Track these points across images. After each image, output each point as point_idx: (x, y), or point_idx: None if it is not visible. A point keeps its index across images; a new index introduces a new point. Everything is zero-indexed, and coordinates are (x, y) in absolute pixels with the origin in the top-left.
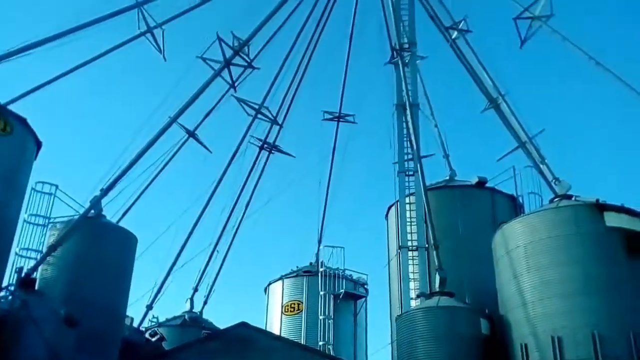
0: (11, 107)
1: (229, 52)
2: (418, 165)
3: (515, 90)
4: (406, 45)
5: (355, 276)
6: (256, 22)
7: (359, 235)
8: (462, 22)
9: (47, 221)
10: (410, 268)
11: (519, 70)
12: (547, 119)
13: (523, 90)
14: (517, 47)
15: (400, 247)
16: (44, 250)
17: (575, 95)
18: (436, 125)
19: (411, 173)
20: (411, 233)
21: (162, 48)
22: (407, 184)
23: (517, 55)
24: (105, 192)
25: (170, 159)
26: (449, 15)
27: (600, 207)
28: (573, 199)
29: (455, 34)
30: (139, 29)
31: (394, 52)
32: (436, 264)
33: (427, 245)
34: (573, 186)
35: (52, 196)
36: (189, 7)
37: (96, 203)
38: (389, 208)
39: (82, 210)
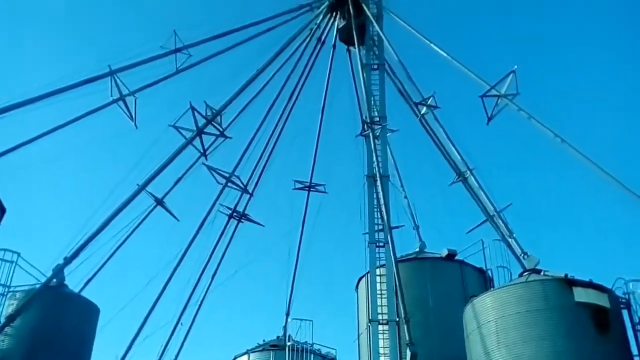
0: None
1: (201, 121)
2: (389, 237)
3: (483, 164)
4: (377, 119)
5: (324, 351)
6: (229, 91)
7: (328, 308)
8: (431, 98)
9: (6, 290)
10: (381, 342)
11: (487, 146)
12: (514, 193)
13: (490, 165)
14: (484, 123)
15: (370, 321)
16: (2, 320)
17: (541, 171)
18: (406, 197)
19: (382, 244)
20: (381, 306)
21: (134, 115)
22: (377, 255)
23: (484, 131)
24: (68, 260)
25: (137, 227)
26: (417, 91)
27: (570, 283)
28: (542, 273)
29: (424, 110)
30: (111, 96)
31: (365, 125)
32: (407, 338)
33: (397, 319)
34: (541, 260)
35: (14, 264)
36: (162, 77)
37: (58, 272)
38: (359, 280)
39: (43, 279)
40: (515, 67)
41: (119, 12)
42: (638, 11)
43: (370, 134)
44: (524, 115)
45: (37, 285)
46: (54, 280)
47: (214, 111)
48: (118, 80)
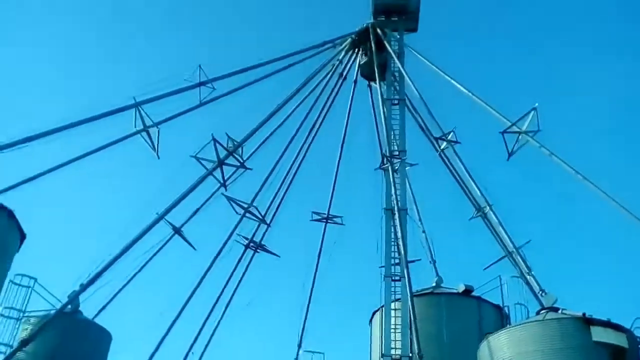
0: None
1: (222, 152)
2: (405, 271)
3: (502, 200)
4: (396, 153)
5: None
6: (251, 124)
7: (341, 341)
8: (451, 133)
9: (21, 315)
10: None
11: (507, 182)
12: (534, 230)
13: (510, 201)
14: (504, 159)
15: (383, 356)
16: (15, 344)
17: (561, 207)
18: (424, 231)
19: (397, 278)
20: (395, 341)
21: (156, 146)
22: (393, 289)
23: (504, 167)
24: (84, 287)
25: (154, 255)
26: (438, 126)
27: (587, 322)
28: (559, 311)
29: (444, 144)
30: (135, 127)
31: (384, 159)
32: None
33: (410, 355)
34: (559, 299)
35: (30, 289)
36: (186, 109)
37: (74, 298)
38: (374, 313)
39: (58, 305)
40: (537, 104)
41: (148, 46)
42: None
43: (390, 168)
44: (545, 152)
45: (52, 311)
46: (69, 306)
47: (236, 143)
48: (142, 112)
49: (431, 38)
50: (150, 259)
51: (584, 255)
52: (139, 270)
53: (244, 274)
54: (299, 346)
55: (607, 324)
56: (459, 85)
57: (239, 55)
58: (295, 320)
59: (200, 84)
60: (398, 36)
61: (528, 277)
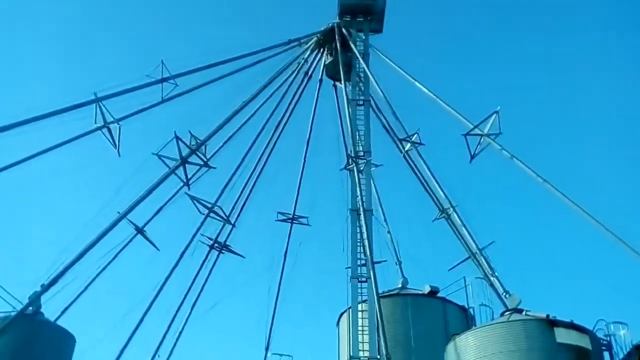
0: None
1: (185, 150)
2: (371, 272)
3: (466, 202)
4: (361, 153)
5: None
6: (215, 122)
7: (309, 343)
8: (415, 135)
9: None
10: None
11: (470, 183)
12: (497, 231)
13: (473, 202)
14: (467, 161)
15: (351, 357)
16: None
17: (524, 209)
18: (389, 232)
19: (364, 279)
20: (363, 342)
21: (117, 143)
22: (359, 290)
23: (467, 169)
24: (45, 288)
25: (116, 255)
26: (402, 127)
27: (551, 323)
28: (524, 313)
29: (408, 146)
30: (95, 123)
31: (350, 159)
32: None
33: (378, 357)
34: (523, 300)
35: None
36: (148, 106)
37: (35, 300)
38: (341, 315)
39: (19, 307)
40: (499, 107)
41: (109, 40)
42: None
43: (355, 168)
44: (506, 155)
45: (13, 313)
46: (30, 308)
47: (199, 141)
48: (103, 108)
49: (396, 39)
50: (113, 259)
51: (547, 256)
52: (101, 271)
53: (208, 275)
54: (267, 349)
55: (571, 326)
56: (422, 87)
57: (202, 51)
58: (262, 323)
59: (163, 79)
60: (363, 37)
61: (492, 278)
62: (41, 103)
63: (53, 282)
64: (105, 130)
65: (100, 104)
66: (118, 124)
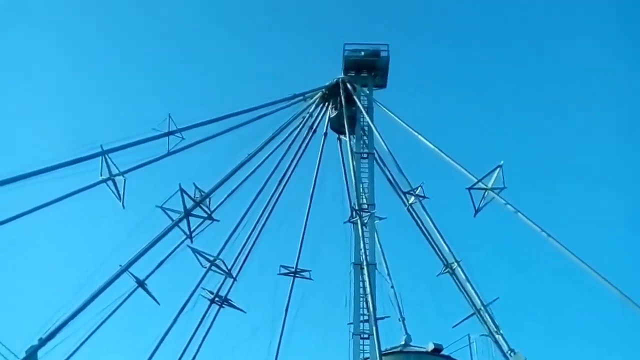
0: None
1: (189, 203)
2: (374, 328)
3: (470, 256)
4: (365, 206)
5: None
6: (219, 175)
7: None
8: (419, 188)
9: None
10: None
11: (475, 238)
12: (502, 287)
13: (478, 257)
14: (471, 215)
15: None
16: None
17: (529, 265)
18: (392, 287)
19: (366, 336)
20: None
21: (121, 196)
22: (361, 347)
23: (472, 223)
24: (43, 342)
25: (116, 309)
26: (406, 181)
27: None
28: None
29: (412, 199)
30: (101, 175)
31: (353, 212)
32: None
33: None
34: (528, 358)
35: None
36: (153, 158)
37: (32, 354)
38: None
39: None
40: (502, 162)
41: (117, 92)
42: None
43: (359, 221)
44: (510, 209)
45: None
46: None
47: (203, 194)
48: (109, 160)
49: (401, 92)
50: (112, 312)
51: (553, 314)
52: (101, 325)
53: (208, 329)
54: None
55: None
56: (426, 141)
57: (209, 105)
58: None
59: (169, 133)
60: (367, 91)
61: (497, 335)
62: (46, 155)
63: (51, 336)
64: (110, 182)
65: (107, 157)
66: (123, 176)
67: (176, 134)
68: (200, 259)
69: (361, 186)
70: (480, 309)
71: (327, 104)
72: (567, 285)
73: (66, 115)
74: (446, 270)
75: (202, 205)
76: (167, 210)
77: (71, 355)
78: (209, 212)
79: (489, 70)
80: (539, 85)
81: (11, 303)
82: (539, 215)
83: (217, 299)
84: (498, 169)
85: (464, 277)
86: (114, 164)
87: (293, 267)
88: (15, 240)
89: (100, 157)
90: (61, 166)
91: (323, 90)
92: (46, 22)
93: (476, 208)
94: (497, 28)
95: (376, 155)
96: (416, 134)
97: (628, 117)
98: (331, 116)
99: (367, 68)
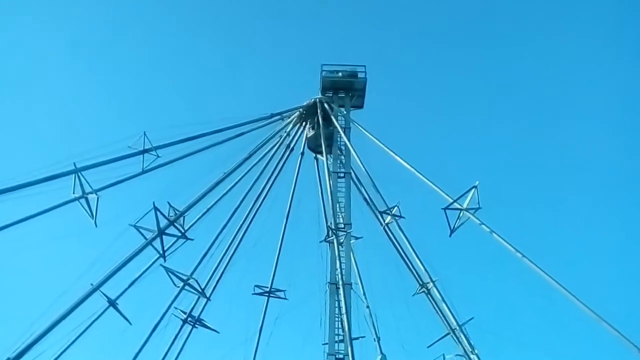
0: None
1: (163, 222)
2: (349, 348)
3: (446, 276)
4: (342, 225)
5: None
6: (194, 193)
7: None
8: (395, 207)
9: None
10: None
11: (450, 257)
12: (477, 307)
13: (453, 277)
14: (447, 235)
15: None
16: None
17: (503, 285)
18: (368, 306)
19: (341, 356)
20: None
21: (94, 214)
22: None
23: (447, 243)
24: None
25: (86, 329)
26: (383, 200)
27: None
28: None
29: (388, 219)
30: (74, 193)
31: (330, 231)
32: None
33: None
34: None
35: None
36: (127, 176)
37: None
38: None
39: None
40: (477, 182)
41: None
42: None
43: (335, 240)
44: (485, 230)
45: None
46: None
47: (177, 212)
48: (82, 178)
49: (377, 112)
50: (83, 332)
51: (527, 334)
52: (71, 344)
53: (181, 350)
54: None
55: None
56: (402, 161)
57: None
58: None
59: (144, 151)
60: (345, 112)
61: (472, 355)
62: (17, 172)
63: (20, 355)
64: (83, 200)
65: (80, 174)
66: (96, 194)
67: (151, 152)
68: (174, 278)
69: (338, 205)
70: (455, 328)
71: (304, 123)
72: (541, 305)
73: (38, 131)
74: (422, 290)
75: (176, 224)
76: (140, 229)
77: None
78: (183, 231)
79: (465, 90)
80: (516, 105)
81: None
82: (514, 235)
83: (189, 318)
84: (473, 190)
85: (439, 296)
86: (87, 182)
87: (267, 287)
88: None
89: (73, 175)
90: (33, 184)
91: (300, 109)
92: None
93: (451, 228)
94: (474, 47)
95: (353, 174)
96: (392, 154)
97: (610, 134)
98: (308, 135)
99: (345, 89)
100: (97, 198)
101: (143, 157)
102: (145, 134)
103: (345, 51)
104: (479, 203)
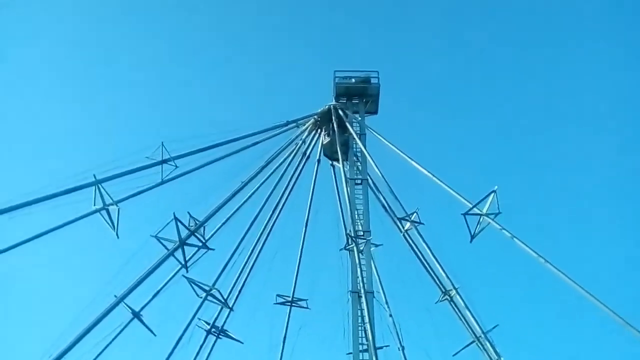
0: None
1: (184, 232)
2: (374, 358)
3: (469, 283)
4: (361, 233)
5: None
6: (214, 202)
7: None
8: (414, 214)
9: None
10: None
11: (472, 263)
12: (501, 313)
13: (476, 283)
14: (468, 240)
15: None
16: None
17: (527, 290)
18: (391, 315)
19: None
20: None
21: (115, 225)
22: None
23: (469, 249)
24: None
25: (111, 341)
26: (401, 206)
27: None
28: None
29: (407, 225)
30: (94, 205)
31: (349, 239)
32: None
33: None
34: None
35: None
36: (147, 187)
37: None
38: None
39: None
40: (496, 187)
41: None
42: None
43: (355, 248)
44: (506, 235)
45: None
46: None
47: (198, 222)
48: (102, 190)
49: (392, 117)
50: (108, 345)
51: (553, 340)
52: (97, 357)
53: None
54: None
55: None
56: (419, 167)
57: (202, 132)
58: None
59: (163, 161)
60: (359, 118)
61: None
62: (37, 186)
63: None
64: (104, 212)
65: (100, 186)
66: (117, 205)
67: (169, 162)
68: (196, 288)
69: (356, 213)
70: (480, 336)
71: (319, 130)
72: (565, 311)
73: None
74: (444, 298)
75: (196, 234)
76: (161, 240)
77: None
78: (204, 241)
79: (481, 93)
80: (533, 106)
81: (5, 337)
82: (536, 240)
83: (213, 329)
84: (492, 194)
85: (462, 304)
86: (108, 194)
87: (289, 296)
88: (8, 273)
89: (94, 187)
90: (54, 196)
91: (315, 117)
92: (43, 47)
93: (472, 234)
94: (489, 50)
95: (370, 181)
96: (409, 159)
97: (628, 134)
98: (324, 143)
99: (359, 95)
100: (118, 209)
101: (162, 167)
102: (163, 144)
103: (356, 56)
104: (498, 208)
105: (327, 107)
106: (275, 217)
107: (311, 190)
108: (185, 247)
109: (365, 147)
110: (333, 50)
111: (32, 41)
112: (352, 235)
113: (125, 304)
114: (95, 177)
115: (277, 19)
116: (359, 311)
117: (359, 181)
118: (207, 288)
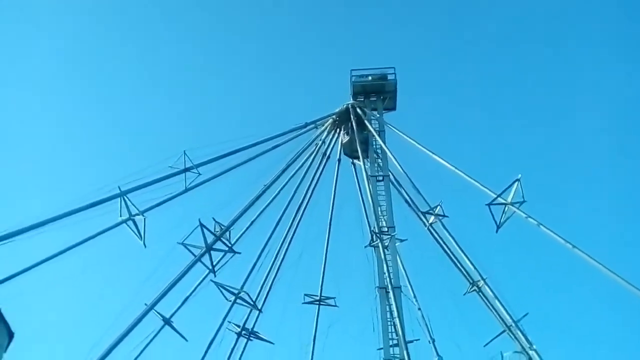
0: None
1: (210, 237)
2: (404, 352)
3: (496, 273)
4: (385, 229)
5: None
6: (237, 207)
7: None
8: (438, 207)
9: None
10: None
11: (499, 253)
12: (530, 302)
13: (504, 273)
14: (493, 231)
15: None
16: None
17: (556, 277)
18: (419, 309)
19: None
20: None
21: (142, 235)
22: None
23: (495, 239)
24: None
25: (144, 349)
26: (424, 200)
27: None
28: None
29: (432, 219)
30: (120, 216)
31: (374, 236)
32: None
33: None
34: None
35: None
36: (171, 196)
37: None
38: None
39: None
40: (520, 175)
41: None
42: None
43: (380, 244)
44: (532, 223)
45: None
46: None
47: (223, 227)
48: (128, 201)
49: (411, 111)
50: (141, 353)
51: (585, 325)
52: None
53: None
54: None
55: None
56: (440, 160)
57: (222, 138)
58: None
59: (186, 169)
60: (378, 115)
61: (530, 352)
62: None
63: None
64: (130, 222)
65: (125, 197)
66: (143, 215)
67: (192, 170)
68: (225, 292)
69: (379, 209)
70: (511, 325)
71: (338, 130)
72: (596, 295)
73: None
74: (472, 289)
75: (222, 239)
76: (188, 246)
77: None
78: (230, 245)
79: (499, 83)
80: (554, 95)
81: (39, 349)
82: (563, 227)
83: (244, 332)
84: (516, 183)
85: (491, 294)
86: (133, 204)
87: (317, 295)
88: (39, 287)
89: (119, 198)
90: (80, 210)
91: (333, 116)
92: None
93: (497, 224)
94: (507, 42)
95: (391, 177)
96: (430, 153)
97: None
98: (343, 141)
99: (376, 92)
100: (144, 219)
101: (185, 175)
102: (185, 152)
103: (371, 53)
104: (523, 196)
105: (345, 106)
106: (299, 217)
107: (333, 190)
108: (212, 252)
109: (385, 144)
110: (348, 49)
111: (55, 50)
112: (377, 231)
113: (156, 311)
114: (120, 188)
115: (284, 19)
116: (388, 306)
117: (381, 178)
118: (236, 291)
